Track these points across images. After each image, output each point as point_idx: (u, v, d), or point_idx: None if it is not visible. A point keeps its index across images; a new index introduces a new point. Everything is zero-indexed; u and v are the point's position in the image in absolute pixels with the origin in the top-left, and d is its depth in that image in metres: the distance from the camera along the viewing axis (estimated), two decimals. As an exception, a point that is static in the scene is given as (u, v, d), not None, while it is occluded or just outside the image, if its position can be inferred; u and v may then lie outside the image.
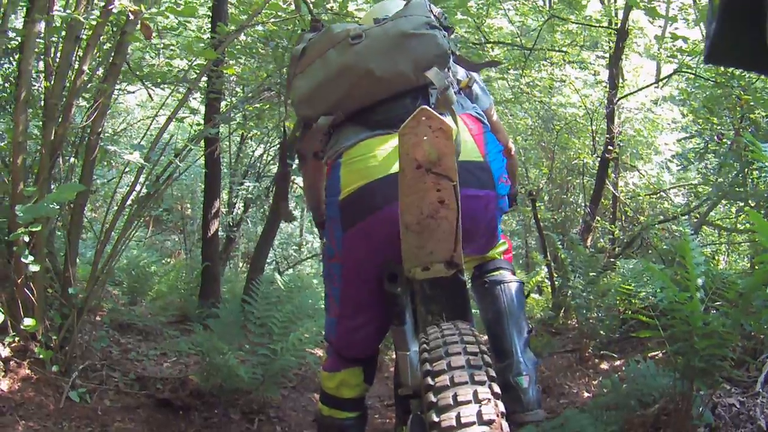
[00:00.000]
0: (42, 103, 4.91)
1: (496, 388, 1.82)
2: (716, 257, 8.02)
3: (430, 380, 1.85)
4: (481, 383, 1.80)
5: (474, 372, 1.83)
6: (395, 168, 2.16)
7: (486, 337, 2.61)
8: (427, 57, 2.41)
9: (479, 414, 1.71)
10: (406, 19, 2.47)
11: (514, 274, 2.78)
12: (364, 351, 2.78)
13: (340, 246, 2.47)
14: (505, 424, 1.73)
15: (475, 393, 1.77)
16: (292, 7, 6.31)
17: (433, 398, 1.80)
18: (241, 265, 14.92)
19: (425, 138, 1.95)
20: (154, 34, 5.54)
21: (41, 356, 4.16)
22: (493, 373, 1.88)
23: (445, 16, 2.62)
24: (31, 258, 3.97)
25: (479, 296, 2.73)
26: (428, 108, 1.96)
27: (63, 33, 4.71)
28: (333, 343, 2.79)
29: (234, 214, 12.02)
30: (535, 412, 2.39)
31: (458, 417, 1.71)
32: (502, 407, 1.78)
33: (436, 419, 1.74)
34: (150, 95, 7.29)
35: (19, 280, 4.09)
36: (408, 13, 2.50)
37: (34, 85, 4.76)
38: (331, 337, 2.79)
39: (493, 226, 2.60)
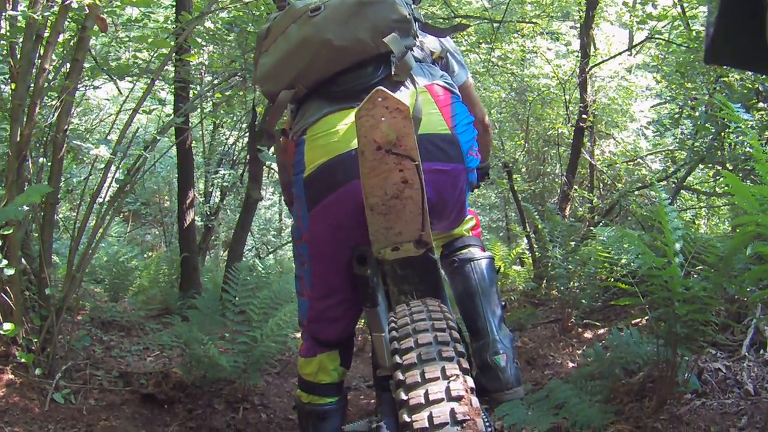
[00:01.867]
0: (9, 105, 4.84)
1: (465, 364, 1.80)
2: (696, 221, 8.06)
3: (398, 358, 1.84)
4: (449, 359, 1.79)
5: (442, 348, 1.81)
6: (349, 144, 2.19)
7: (458, 314, 2.57)
8: (386, 23, 2.34)
9: (447, 390, 1.70)
10: None
11: (483, 249, 2.74)
12: (338, 334, 2.73)
13: (306, 225, 2.44)
14: (474, 399, 1.71)
15: (443, 369, 1.75)
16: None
17: (401, 376, 1.79)
18: (222, 253, 14.88)
19: (383, 119, 1.92)
20: (118, 27, 5.47)
21: (23, 360, 4.11)
22: (461, 349, 1.86)
23: None
24: (5, 262, 3.92)
25: (450, 276, 2.65)
26: (383, 89, 1.93)
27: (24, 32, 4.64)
28: (307, 326, 2.75)
29: (211, 202, 11.96)
30: (515, 391, 2.37)
31: (426, 394, 1.70)
32: (471, 383, 1.76)
33: (404, 397, 1.74)
34: (118, 89, 7.20)
35: (-6, 285, 4.04)
36: None
37: (3, 90, 4.69)
38: (304, 320, 2.75)
39: (461, 201, 2.50)
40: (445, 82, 2.47)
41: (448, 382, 1.72)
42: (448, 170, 2.31)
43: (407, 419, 1.69)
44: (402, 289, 2.26)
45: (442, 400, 1.68)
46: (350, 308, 2.64)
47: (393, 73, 2.34)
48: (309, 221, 2.41)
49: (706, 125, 6.04)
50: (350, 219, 2.25)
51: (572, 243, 6.83)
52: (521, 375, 2.77)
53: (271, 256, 14.86)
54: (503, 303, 2.62)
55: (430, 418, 1.65)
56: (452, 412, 1.65)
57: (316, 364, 2.75)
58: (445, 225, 2.60)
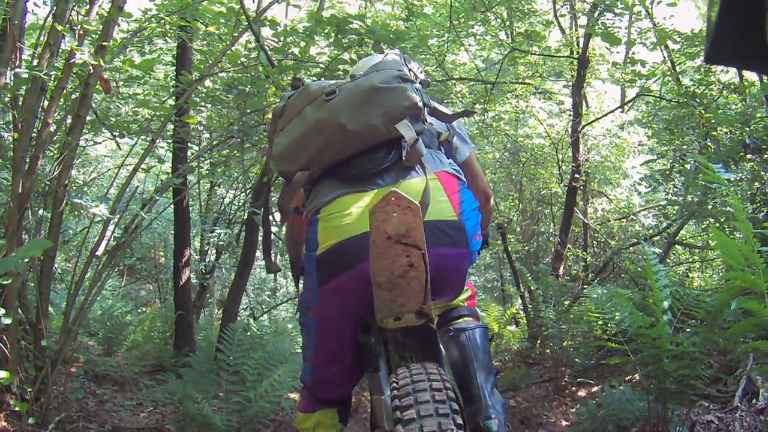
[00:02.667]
0: (11, 154, 4.92)
1: (459, 420, 1.88)
2: (690, 274, 8.11)
3: (398, 414, 1.92)
4: (445, 416, 1.87)
5: (438, 406, 1.90)
6: (361, 227, 2.23)
7: (452, 380, 2.56)
8: (397, 109, 2.41)
9: None
10: (377, 73, 2.51)
11: (478, 319, 2.86)
12: (338, 394, 2.80)
13: (316, 299, 2.47)
14: None
15: (440, 424, 1.83)
16: (254, 54, 6.39)
17: (401, 430, 1.86)
18: (216, 311, 14.84)
19: (394, 214, 2.04)
20: (120, 84, 5.57)
21: (17, 408, 4.13)
22: (456, 407, 1.93)
23: (421, 69, 2.76)
24: (2, 311, 3.95)
25: (445, 343, 2.71)
26: (397, 191, 2.04)
27: (29, 85, 4.74)
28: (308, 385, 2.81)
29: (206, 261, 11.98)
30: None
31: None
32: None
33: None
34: (118, 145, 7.30)
35: (-9, 334, 4.07)
36: (380, 68, 2.56)
37: (4, 137, 4.77)
38: (306, 380, 2.80)
39: (461, 280, 2.62)
40: (453, 169, 2.53)
41: None
42: (453, 254, 2.38)
43: None
44: (402, 355, 2.33)
45: None
46: (352, 374, 2.70)
47: (404, 158, 2.40)
48: (319, 297, 2.45)
49: (695, 182, 6.14)
50: (359, 298, 2.31)
51: (566, 302, 6.86)
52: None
53: (265, 316, 14.82)
54: (496, 370, 2.71)
55: None
56: None
57: (314, 419, 2.80)
58: (445, 299, 2.72)
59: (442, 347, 2.60)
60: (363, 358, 2.46)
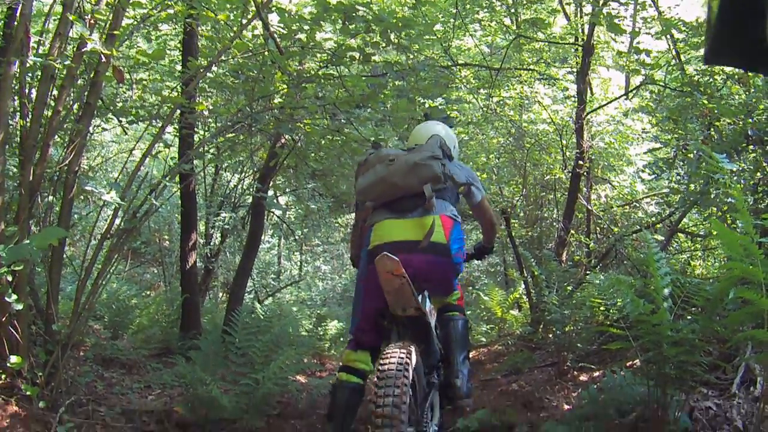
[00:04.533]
0: (18, 140, 4.97)
1: (410, 377, 3.31)
2: (692, 263, 8.15)
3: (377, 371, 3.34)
4: (400, 374, 3.24)
5: (398, 368, 3.29)
6: (394, 237, 3.91)
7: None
8: (426, 177, 4.00)
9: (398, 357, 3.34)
10: (419, 152, 4.09)
11: (463, 314, 4.34)
12: (370, 342, 4.10)
13: (365, 273, 4.01)
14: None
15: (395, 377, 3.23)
16: (261, 40, 6.42)
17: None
18: (220, 295, 14.91)
19: (388, 262, 3.49)
20: (126, 70, 5.61)
21: (28, 393, 4.20)
22: (408, 373, 3.30)
23: (448, 147, 4.24)
24: (14, 297, 4.02)
25: (439, 326, 4.20)
26: (387, 254, 3.48)
27: (38, 73, 4.78)
28: (353, 333, 4.18)
29: (211, 245, 12.04)
30: (465, 401, 3.97)
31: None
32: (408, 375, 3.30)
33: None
34: (124, 130, 7.35)
35: (3, 319, 4.14)
36: (422, 149, 4.14)
37: (11, 124, 4.82)
38: (352, 330, 4.19)
39: (448, 280, 4.14)
40: (452, 214, 4.09)
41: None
42: (439, 261, 3.91)
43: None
44: (405, 334, 3.81)
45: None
46: (377, 336, 4.03)
47: (425, 206, 3.95)
48: (368, 271, 3.91)
49: (698, 171, 6.18)
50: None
51: (568, 288, 6.91)
52: (473, 393, 4.31)
53: (270, 298, 14.92)
54: (468, 349, 4.25)
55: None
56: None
57: (356, 356, 4.07)
58: (439, 293, 4.14)
59: (434, 329, 4.02)
60: (383, 333, 3.93)
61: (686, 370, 3.63)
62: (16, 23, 4.59)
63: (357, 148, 8.19)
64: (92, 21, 4.72)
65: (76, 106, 5.08)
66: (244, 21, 5.87)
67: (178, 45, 8.72)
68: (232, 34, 6.06)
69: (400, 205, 4.03)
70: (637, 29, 8.26)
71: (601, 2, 7.16)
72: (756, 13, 1.30)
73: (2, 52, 4.81)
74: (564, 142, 9.68)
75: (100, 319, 8.70)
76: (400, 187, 4.01)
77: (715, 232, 6.95)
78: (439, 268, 3.95)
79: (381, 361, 3.37)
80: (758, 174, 5.85)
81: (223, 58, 5.85)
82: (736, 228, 4.68)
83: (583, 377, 6.02)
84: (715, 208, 6.49)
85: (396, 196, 4.04)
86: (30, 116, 4.61)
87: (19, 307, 4.07)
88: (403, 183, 4.00)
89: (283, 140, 8.22)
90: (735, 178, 5.28)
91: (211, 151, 9.82)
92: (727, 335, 3.95)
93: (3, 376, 4.19)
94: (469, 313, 11.86)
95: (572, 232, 9.17)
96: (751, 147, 6.13)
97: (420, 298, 3.69)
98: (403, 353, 3.36)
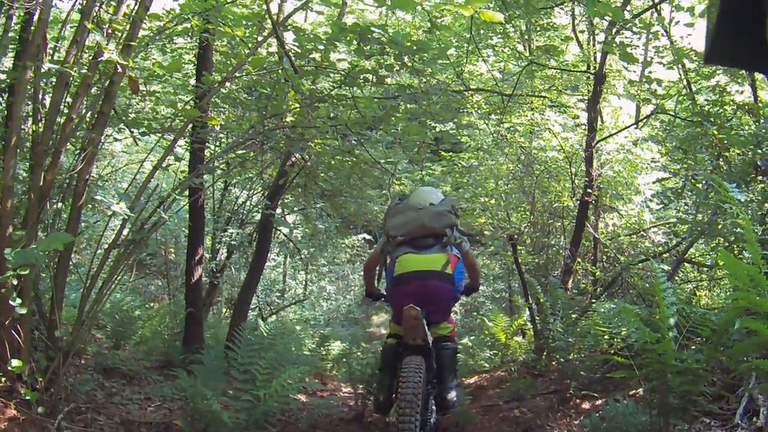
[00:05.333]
0: (29, 144, 4.99)
1: (419, 386, 4.47)
2: (698, 293, 8.12)
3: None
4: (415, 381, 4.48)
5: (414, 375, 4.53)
6: (413, 268, 5.02)
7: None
8: (445, 224, 5.20)
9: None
10: (440, 206, 5.33)
11: (454, 343, 5.27)
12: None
13: (390, 294, 5.27)
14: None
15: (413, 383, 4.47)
16: (275, 58, 6.45)
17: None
18: (224, 310, 14.89)
19: (413, 311, 4.60)
20: (140, 81, 5.64)
21: (27, 397, 4.19)
22: (419, 378, 4.50)
23: (453, 205, 5.51)
24: (18, 301, 4.02)
25: (436, 351, 5.01)
26: (413, 306, 4.58)
27: (53, 79, 4.81)
28: (394, 320, 5.29)
29: (217, 260, 12.04)
30: (453, 410, 5.08)
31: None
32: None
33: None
34: (135, 141, 7.37)
35: (6, 322, 4.14)
36: (440, 205, 5.37)
37: (22, 128, 4.86)
38: (393, 320, 5.33)
39: (447, 306, 5.27)
40: (457, 253, 5.24)
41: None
42: (445, 287, 5.06)
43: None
44: (415, 353, 4.80)
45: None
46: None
47: (443, 243, 5.15)
48: (392, 292, 5.21)
49: (706, 201, 6.18)
50: (404, 294, 4.92)
51: (573, 316, 6.89)
52: (459, 402, 5.49)
53: (273, 316, 14.89)
54: (456, 369, 5.21)
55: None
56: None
57: (397, 328, 5.08)
58: (437, 316, 5.08)
59: (433, 354, 4.99)
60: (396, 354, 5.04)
61: (690, 400, 3.61)
62: (33, 28, 4.62)
63: (367, 170, 8.22)
64: (109, 31, 4.76)
65: (89, 115, 5.11)
66: (260, 38, 5.91)
67: (193, 59, 8.77)
68: (247, 51, 6.10)
69: (419, 243, 5.20)
70: (649, 59, 8.28)
71: (614, 31, 7.17)
72: (756, 13, 1.31)
73: (19, 55, 4.85)
74: (573, 169, 9.68)
75: (103, 328, 8.70)
76: (427, 228, 5.21)
77: (722, 263, 6.95)
78: (445, 292, 5.12)
79: (403, 366, 4.68)
80: (766, 205, 5.84)
81: (237, 74, 5.88)
82: (743, 258, 4.66)
83: (586, 405, 5.99)
84: (721, 239, 6.48)
85: (421, 234, 5.22)
86: (43, 122, 4.64)
87: (23, 311, 4.08)
88: (429, 225, 5.21)
89: (293, 159, 8.26)
90: (743, 208, 5.27)
91: (221, 166, 9.85)
92: (731, 365, 3.93)
93: (3, 380, 4.19)
94: (472, 338, 11.94)
95: (579, 260, 9.15)
96: (759, 177, 6.13)
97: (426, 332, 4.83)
98: (419, 361, 4.67)
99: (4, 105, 5.25)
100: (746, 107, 7.36)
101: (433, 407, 5.20)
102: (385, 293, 5.63)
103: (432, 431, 5.22)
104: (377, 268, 6.30)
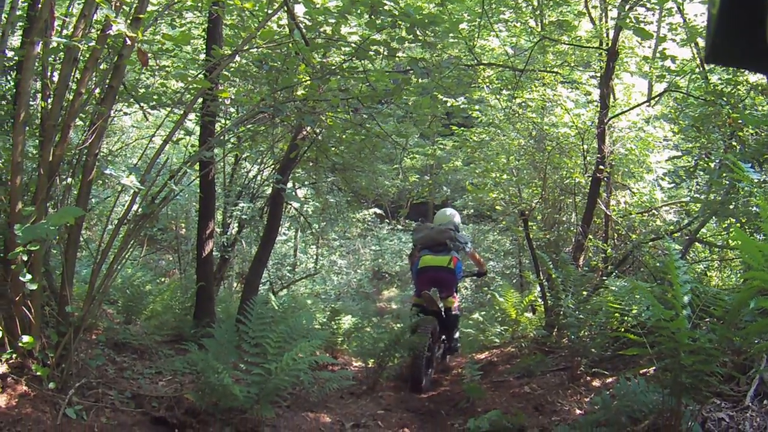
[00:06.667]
0: (38, 121, 4.97)
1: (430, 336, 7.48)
2: (708, 273, 8.08)
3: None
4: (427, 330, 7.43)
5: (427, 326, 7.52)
6: (430, 264, 8.03)
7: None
8: (446, 237, 8.06)
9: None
10: (445, 226, 8.22)
11: (457, 310, 8.32)
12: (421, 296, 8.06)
13: (415, 279, 8.30)
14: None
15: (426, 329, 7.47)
16: (286, 31, 6.39)
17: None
18: (235, 285, 14.95)
19: (429, 294, 7.69)
20: (149, 56, 5.62)
21: (38, 373, 4.21)
22: (432, 328, 7.56)
23: (457, 225, 8.41)
24: (29, 276, 4.03)
25: (445, 316, 7.81)
26: (427, 292, 7.69)
27: (61, 54, 4.78)
28: (416, 294, 8.14)
29: (228, 234, 12.06)
30: (457, 353, 8.93)
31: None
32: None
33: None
34: (145, 115, 7.35)
35: (17, 298, 4.15)
36: (446, 224, 8.31)
37: (31, 105, 4.84)
38: (416, 293, 8.20)
39: (451, 287, 8.06)
40: (457, 255, 8.06)
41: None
42: (449, 276, 7.99)
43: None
44: (431, 317, 7.62)
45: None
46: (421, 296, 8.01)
47: (447, 249, 8.04)
48: (417, 278, 8.23)
49: (719, 180, 6.12)
50: (423, 281, 8.01)
51: (585, 292, 6.86)
52: (460, 347, 8.95)
53: (284, 290, 14.93)
54: (458, 328, 8.70)
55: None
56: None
57: (419, 299, 7.91)
58: (445, 293, 7.87)
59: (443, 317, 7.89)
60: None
61: (701, 380, 3.58)
62: (40, 5, 4.59)
63: (378, 144, 8.20)
64: (118, 4, 4.72)
65: (98, 90, 5.08)
66: (270, 11, 5.86)
67: (203, 33, 8.73)
68: (257, 24, 6.05)
69: (435, 248, 8.10)
70: (662, 35, 8.19)
71: (627, 6, 7.08)
72: (756, 13, 1.28)
73: (26, 32, 4.83)
74: (585, 146, 9.60)
75: (114, 303, 8.75)
76: (437, 240, 8.10)
77: (735, 242, 6.90)
78: (450, 279, 8.03)
79: (422, 320, 7.29)
80: (780, 185, 5.79)
81: (247, 47, 5.84)
82: (756, 238, 4.62)
83: (596, 383, 5.97)
84: (733, 219, 6.43)
85: (433, 243, 8.12)
86: (51, 97, 4.61)
87: (34, 287, 4.08)
88: (438, 238, 8.09)
89: (304, 132, 8.23)
90: (757, 188, 5.23)
91: (232, 140, 9.83)
92: (744, 346, 3.90)
93: (14, 356, 4.20)
94: (483, 313, 11.96)
95: (590, 237, 9.11)
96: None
97: (439, 302, 7.72)
98: (432, 320, 7.49)
99: (13, 83, 5.23)
100: (760, 88, 7.28)
101: (443, 349, 8.33)
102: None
103: (438, 360, 8.24)
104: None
